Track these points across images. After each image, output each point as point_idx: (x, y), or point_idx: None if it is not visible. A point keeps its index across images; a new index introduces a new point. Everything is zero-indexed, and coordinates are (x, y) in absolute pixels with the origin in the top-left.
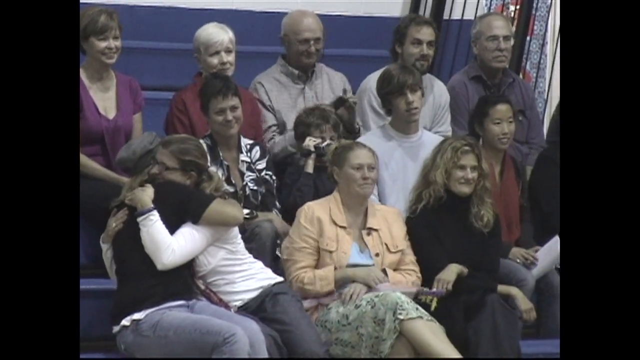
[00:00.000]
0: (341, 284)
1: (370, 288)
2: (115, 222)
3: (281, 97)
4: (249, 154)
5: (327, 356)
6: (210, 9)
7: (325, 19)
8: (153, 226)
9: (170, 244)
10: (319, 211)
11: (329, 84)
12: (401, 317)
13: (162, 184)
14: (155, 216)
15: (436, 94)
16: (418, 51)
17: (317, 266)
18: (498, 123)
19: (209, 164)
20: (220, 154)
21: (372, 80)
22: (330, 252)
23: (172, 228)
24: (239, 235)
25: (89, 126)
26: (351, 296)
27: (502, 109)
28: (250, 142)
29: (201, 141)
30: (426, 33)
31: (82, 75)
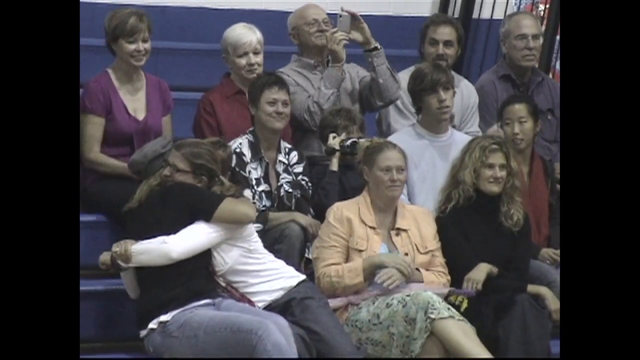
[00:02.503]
0: (370, 272)
1: (403, 275)
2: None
3: (303, 84)
4: (287, 157)
5: None
6: (239, 9)
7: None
8: (139, 254)
9: (161, 240)
10: (348, 211)
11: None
12: (432, 316)
13: (172, 185)
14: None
15: (464, 94)
16: (434, 50)
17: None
18: (508, 123)
19: (249, 159)
20: (262, 151)
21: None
22: (360, 251)
23: (182, 228)
24: (255, 234)
25: (118, 127)
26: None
27: (513, 109)
28: (289, 146)
29: (244, 136)
30: (443, 33)
31: (112, 76)
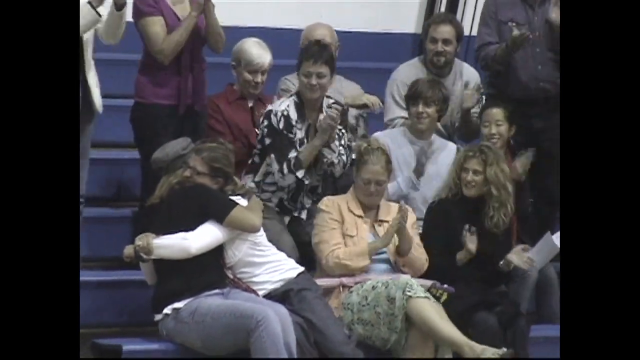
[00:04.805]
0: (372, 255)
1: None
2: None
3: None
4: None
5: (353, 354)
6: (243, 27)
7: (346, 34)
8: (160, 248)
9: (181, 236)
10: (337, 201)
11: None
12: (409, 294)
13: (191, 187)
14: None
15: (465, 78)
16: (434, 48)
17: None
18: (486, 125)
19: (295, 121)
20: (306, 112)
21: (399, 72)
22: (351, 236)
23: (197, 225)
24: (261, 228)
25: (171, 31)
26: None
27: (491, 112)
28: (332, 100)
29: (291, 98)
30: (442, 31)
31: None
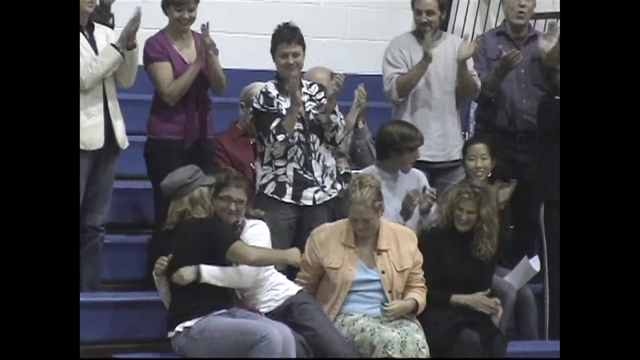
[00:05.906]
0: None
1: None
2: (158, 269)
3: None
4: (309, 89)
5: (353, 356)
6: (247, 69)
7: (355, 77)
8: (210, 274)
9: (240, 269)
10: (329, 233)
11: None
12: (389, 353)
13: (203, 219)
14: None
15: (456, 44)
16: (419, 19)
17: (322, 279)
18: (472, 159)
19: (275, 95)
20: (287, 88)
21: (393, 41)
22: (335, 269)
23: (204, 254)
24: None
25: (177, 75)
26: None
27: (475, 147)
28: (309, 82)
29: (270, 81)
30: (425, 3)
31: (168, 34)
